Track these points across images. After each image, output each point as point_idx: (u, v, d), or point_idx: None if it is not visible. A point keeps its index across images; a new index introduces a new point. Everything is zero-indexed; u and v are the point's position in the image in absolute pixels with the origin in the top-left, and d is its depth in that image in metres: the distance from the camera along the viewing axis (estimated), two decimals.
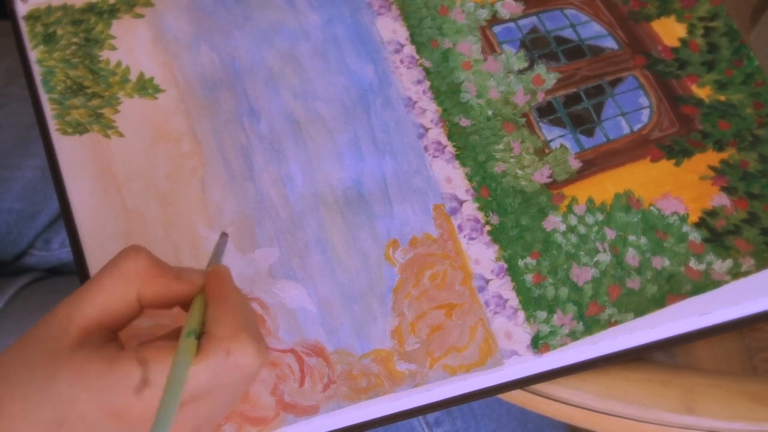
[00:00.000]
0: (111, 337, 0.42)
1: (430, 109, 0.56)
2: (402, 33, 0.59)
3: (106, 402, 0.39)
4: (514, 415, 0.64)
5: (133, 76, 0.57)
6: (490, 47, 0.58)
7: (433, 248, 0.52)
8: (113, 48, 0.58)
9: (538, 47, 0.58)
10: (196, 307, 0.41)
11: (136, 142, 0.55)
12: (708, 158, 0.54)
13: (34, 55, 0.57)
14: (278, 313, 0.50)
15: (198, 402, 0.40)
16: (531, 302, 0.51)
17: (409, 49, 0.58)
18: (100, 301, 0.41)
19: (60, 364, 0.40)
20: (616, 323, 0.50)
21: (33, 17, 0.58)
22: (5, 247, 0.69)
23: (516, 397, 0.52)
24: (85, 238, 0.52)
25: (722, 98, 0.56)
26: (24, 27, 0.58)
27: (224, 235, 0.49)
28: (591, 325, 0.50)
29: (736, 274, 0.51)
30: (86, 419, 0.39)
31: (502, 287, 0.51)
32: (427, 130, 0.55)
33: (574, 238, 0.52)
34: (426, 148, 0.55)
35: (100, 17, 0.59)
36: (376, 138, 0.55)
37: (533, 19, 0.59)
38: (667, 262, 0.51)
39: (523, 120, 0.56)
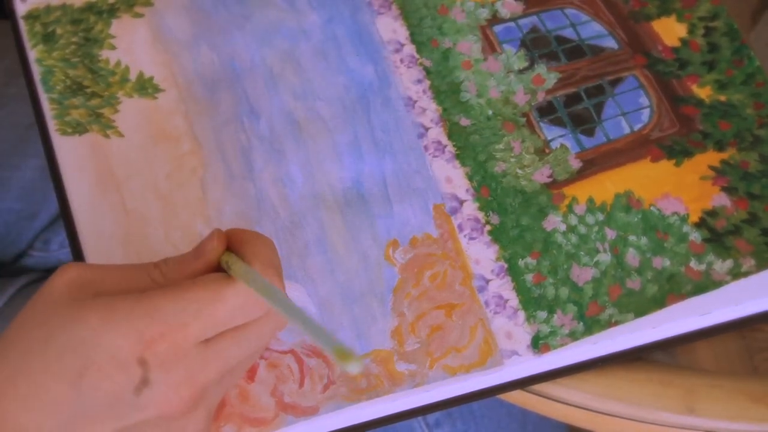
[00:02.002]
0: None
1: (430, 109, 0.56)
2: (402, 32, 0.59)
3: (141, 330, 0.38)
4: (514, 416, 0.64)
5: (132, 76, 0.57)
6: (490, 47, 0.58)
7: (433, 248, 0.52)
8: (113, 47, 0.57)
9: (539, 47, 0.58)
10: (232, 256, 0.42)
11: (135, 142, 0.55)
12: (708, 158, 0.54)
13: (33, 54, 0.57)
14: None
15: (226, 339, 0.40)
16: (531, 302, 0.51)
17: (409, 49, 0.58)
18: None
19: (83, 307, 0.38)
20: (616, 323, 0.50)
21: (32, 17, 0.58)
22: (4, 247, 0.69)
23: (516, 397, 0.52)
24: (84, 238, 0.52)
25: (723, 98, 0.56)
26: (23, 26, 0.58)
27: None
28: (591, 325, 0.50)
29: (736, 274, 0.51)
30: (115, 357, 0.38)
31: (503, 287, 0.51)
32: (427, 129, 0.55)
33: (574, 238, 0.52)
34: (426, 148, 0.55)
35: (99, 17, 0.58)
36: (376, 138, 0.55)
37: (533, 19, 0.59)
38: (667, 263, 0.51)
39: (524, 119, 0.56)
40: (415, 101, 0.56)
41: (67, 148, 0.54)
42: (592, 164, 0.54)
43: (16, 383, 0.38)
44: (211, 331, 0.40)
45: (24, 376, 0.38)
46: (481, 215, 0.53)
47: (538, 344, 0.50)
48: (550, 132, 0.55)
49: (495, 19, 0.59)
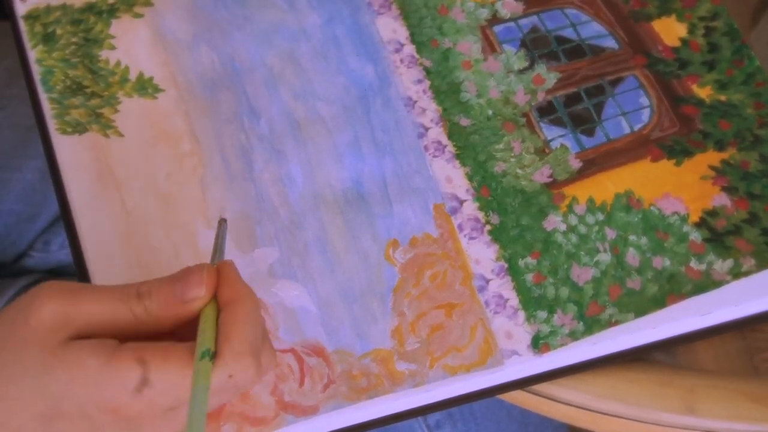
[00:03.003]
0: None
1: (430, 109, 0.56)
2: (402, 32, 0.59)
3: (103, 398, 0.39)
4: (514, 417, 0.64)
5: (132, 76, 0.57)
6: (490, 47, 0.58)
7: (433, 248, 0.52)
8: (112, 48, 0.57)
9: (539, 47, 0.58)
10: (208, 323, 0.41)
11: (135, 142, 0.55)
12: (709, 158, 0.54)
13: (33, 54, 0.57)
14: (278, 313, 0.50)
15: (185, 407, 0.40)
16: (531, 302, 0.51)
17: (409, 49, 0.58)
18: (99, 313, 0.41)
19: (55, 356, 0.39)
20: (616, 323, 0.50)
21: (32, 17, 0.58)
22: (4, 248, 0.69)
23: (516, 397, 0.52)
24: (84, 238, 0.52)
25: (723, 98, 0.56)
26: (23, 27, 0.58)
27: (223, 222, 0.47)
28: (591, 325, 0.50)
29: (736, 274, 0.51)
30: (82, 410, 0.39)
31: (503, 287, 0.51)
32: (427, 129, 0.55)
33: (574, 238, 0.52)
34: (426, 148, 0.55)
35: (99, 17, 0.58)
36: (376, 138, 0.55)
37: (533, 19, 0.59)
38: (667, 262, 0.51)
39: (524, 120, 0.56)
40: (415, 101, 0.56)
41: (67, 148, 0.54)
42: (593, 164, 0.54)
43: None
44: (175, 405, 0.40)
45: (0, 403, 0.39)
46: (481, 215, 0.53)
47: (539, 344, 0.50)
48: (550, 132, 0.55)
49: (495, 19, 0.59)
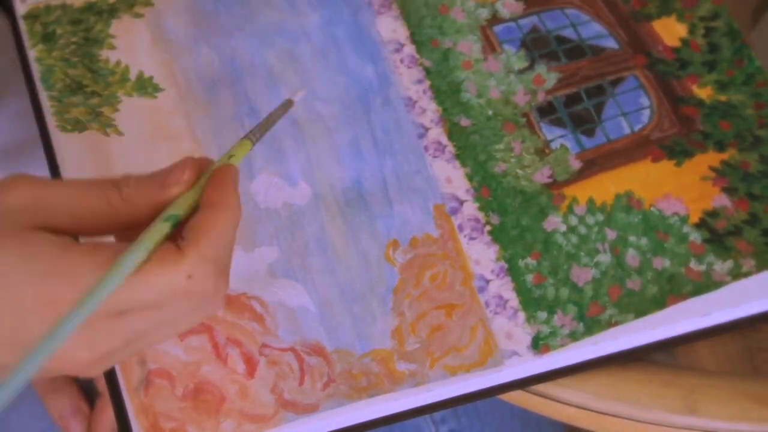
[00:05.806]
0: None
1: (430, 109, 0.56)
2: (402, 32, 0.58)
3: (49, 287, 0.36)
4: (516, 413, 0.64)
5: (132, 75, 0.57)
6: (490, 47, 0.58)
7: (434, 248, 0.52)
8: (113, 47, 0.57)
9: (539, 47, 0.58)
10: (186, 197, 0.39)
11: (135, 140, 0.55)
12: (709, 159, 0.54)
13: (33, 53, 0.57)
14: (278, 312, 0.50)
15: (140, 313, 0.38)
16: (531, 303, 0.51)
17: (409, 49, 0.58)
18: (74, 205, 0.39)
19: (13, 239, 0.37)
20: (616, 324, 0.50)
21: (32, 16, 0.58)
22: None
23: (516, 397, 0.52)
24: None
25: (723, 98, 0.56)
26: (23, 26, 0.58)
27: (289, 102, 0.45)
28: (591, 325, 0.50)
29: (736, 275, 0.51)
30: (19, 303, 0.37)
31: (503, 287, 0.51)
32: (427, 129, 0.55)
33: (574, 239, 0.52)
34: (426, 148, 0.55)
35: (99, 17, 0.58)
36: (376, 138, 0.55)
37: (534, 19, 0.59)
38: (667, 263, 0.51)
39: (524, 120, 0.56)
40: (415, 101, 0.56)
41: (67, 145, 0.54)
42: (593, 164, 0.54)
43: None
44: (124, 308, 0.37)
45: None
46: (481, 215, 0.53)
47: (539, 345, 0.50)
48: (550, 132, 0.55)
49: (495, 19, 0.59)
